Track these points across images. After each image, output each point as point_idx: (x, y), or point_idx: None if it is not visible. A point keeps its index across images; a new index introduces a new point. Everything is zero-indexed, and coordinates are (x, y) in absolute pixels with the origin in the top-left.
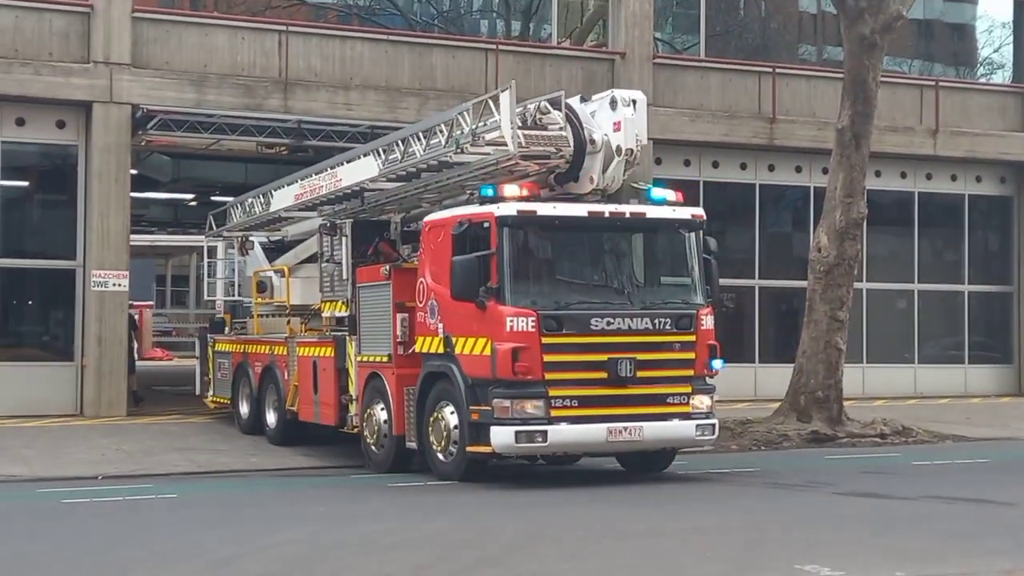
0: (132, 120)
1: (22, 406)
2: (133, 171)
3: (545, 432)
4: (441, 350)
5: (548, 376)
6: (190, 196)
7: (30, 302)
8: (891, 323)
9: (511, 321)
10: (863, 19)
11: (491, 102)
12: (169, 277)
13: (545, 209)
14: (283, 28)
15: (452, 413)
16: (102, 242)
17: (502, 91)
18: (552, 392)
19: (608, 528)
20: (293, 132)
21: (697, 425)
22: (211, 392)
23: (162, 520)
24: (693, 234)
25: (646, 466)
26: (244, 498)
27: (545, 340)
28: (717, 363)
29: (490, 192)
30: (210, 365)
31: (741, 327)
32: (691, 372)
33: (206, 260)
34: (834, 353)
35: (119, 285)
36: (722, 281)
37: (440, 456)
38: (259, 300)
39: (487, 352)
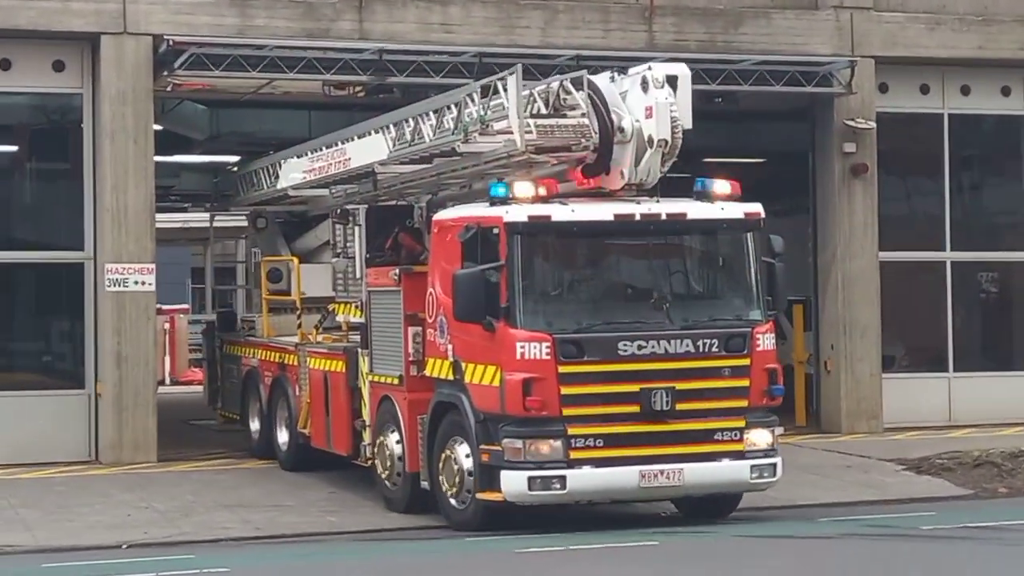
0: (154, 57)
1: (20, 451)
2: (157, 127)
3: (563, 477)
4: (451, 376)
5: (567, 411)
6: (234, 158)
7: (24, 310)
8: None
9: (522, 347)
10: None
11: (499, 84)
12: (209, 270)
13: (562, 213)
14: None
15: (465, 453)
16: (118, 225)
17: (508, 74)
18: (572, 430)
19: None
20: (372, 66)
21: (752, 466)
22: (220, 403)
23: None
24: (748, 235)
25: (707, 512)
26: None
27: (563, 369)
28: (777, 391)
29: (501, 191)
30: (218, 370)
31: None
32: (745, 403)
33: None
34: None
35: (143, 284)
36: (984, 255)
37: (453, 502)
38: (269, 294)
39: (496, 383)
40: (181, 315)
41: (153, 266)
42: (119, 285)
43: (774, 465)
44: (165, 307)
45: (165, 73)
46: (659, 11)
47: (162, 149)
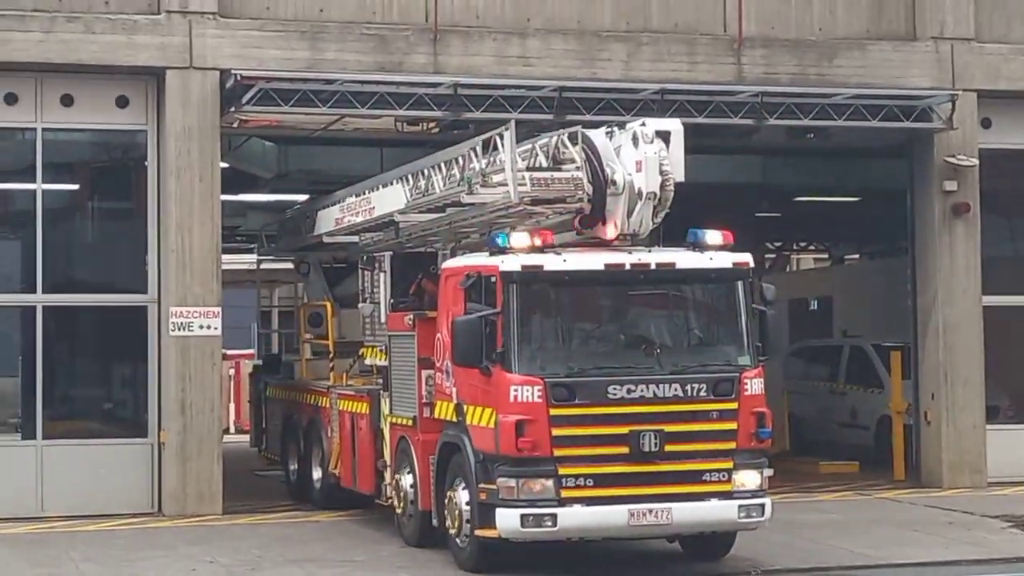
0: (221, 92)
1: (80, 502)
2: (223, 164)
3: (555, 515)
4: (455, 418)
5: (558, 452)
6: (303, 197)
7: (86, 354)
8: None
9: (515, 391)
10: None
11: (497, 139)
12: (276, 314)
13: (554, 263)
14: None
15: (465, 493)
16: (183, 267)
17: (504, 130)
18: (563, 470)
19: None
20: (447, 101)
21: (740, 506)
22: (264, 445)
23: None
24: (737, 284)
25: (704, 551)
26: None
27: (554, 412)
28: (764, 434)
29: (500, 241)
30: (263, 413)
31: None
32: (733, 445)
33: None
34: None
35: (208, 328)
36: None
37: (457, 540)
38: (308, 338)
39: (492, 424)
40: (247, 360)
41: (219, 309)
42: (183, 329)
43: (762, 505)
44: (230, 352)
45: (232, 109)
46: (748, 43)
47: (228, 187)
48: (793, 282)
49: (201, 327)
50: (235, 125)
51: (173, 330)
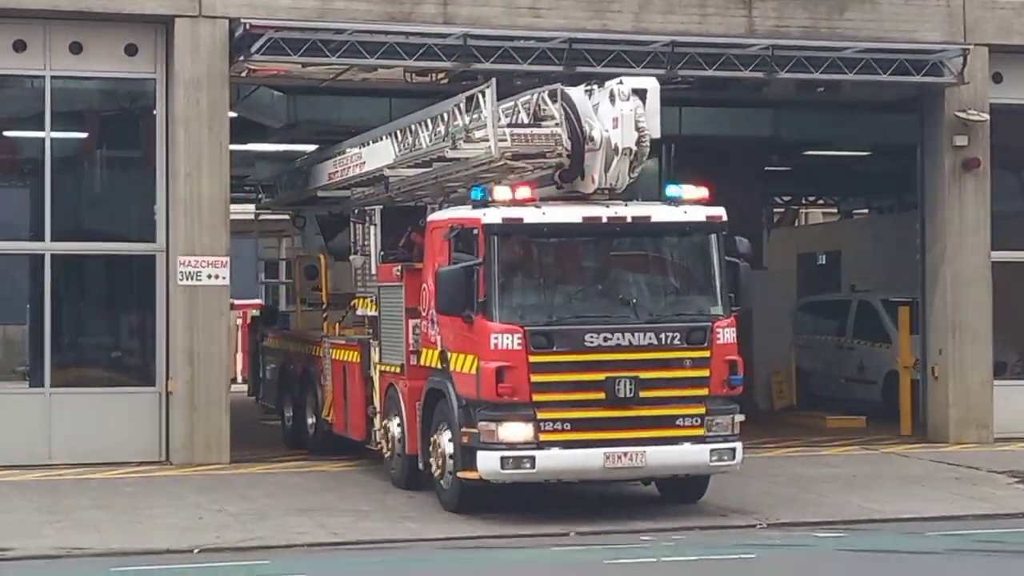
0: (230, 41)
1: (89, 450)
2: (232, 113)
3: (533, 458)
4: (439, 365)
5: (536, 397)
6: (311, 147)
7: (94, 303)
8: None
9: (496, 338)
10: None
11: (479, 96)
12: (284, 265)
13: (533, 215)
14: None
15: (448, 437)
16: (191, 217)
17: (485, 87)
18: (541, 415)
19: None
20: (456, 52)
21: (712, 450)
22: (261, 394)
23: None
24: (712, 237)
25: (680, 494)
26: None
27: (533, 359)
28: (735, 381)
29: (480, 195)
30: (260, 363)
31: None
32: (705, 391)
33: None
34: None
35: (217, 277)
36: None
37: (441, 482)
38: (308, 289)
39: (474, 371)
40: (254, 311)
41: (227, 259)
42: (192, 279)
43: (733, 449)
44: (238, 302)
45: (241, 58)
46: None
47: (237, 137)
48: (802, 236)
49: (209, 276)
50: (244, 74)
51: (181, 279)
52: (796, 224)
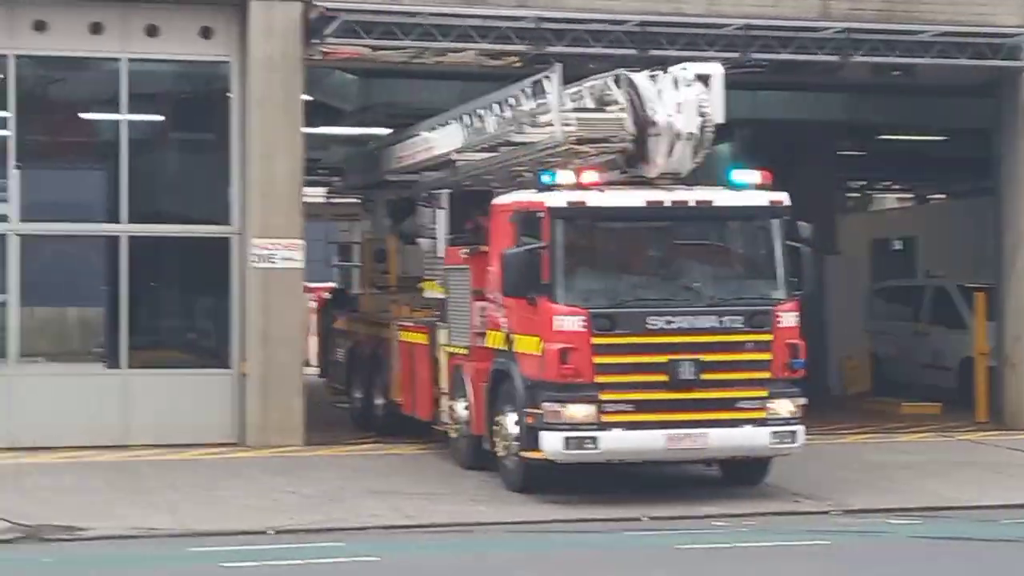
0: (304, 23)
1: (164, 431)
2: (306, 96)
3: (596, 438)
4: (504, 347)
5: (599, 379)
6: (385, 131)
7: (169, 285)
8: None
9: (559, 320)
10: None
11: (544, 81)
12: (358, 249)
13: (597, 199)
14: None
15: (514, 418)
16: (266, 199)
17: (551, 72)
18: (604, 396)
19: None
20: (530, 35)
21: (773, 432)
22: (330, 375)
23: None
24: (774, 221)
25: (742, 476)
26: (475, 568)
27: (596, 340)
28: (798, 364)
29: (546, 178)
30: (331, 345)
31: None
32: (767, 374)
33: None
34: None
35: (290, 260)
36: None
37: (506, 462)
38: (372, 272)
39: (538, 352)
40: (328, 294)
41: (301, 242)
42: (266, 261)
43: (794, 432)
44: (311, 285)
45: (315, 40)
46: None
47: (310, 120)
48: (876, 222)
49: (283, 259)
50: (317, 57)
51: (255, 262)
52: (870, 209)
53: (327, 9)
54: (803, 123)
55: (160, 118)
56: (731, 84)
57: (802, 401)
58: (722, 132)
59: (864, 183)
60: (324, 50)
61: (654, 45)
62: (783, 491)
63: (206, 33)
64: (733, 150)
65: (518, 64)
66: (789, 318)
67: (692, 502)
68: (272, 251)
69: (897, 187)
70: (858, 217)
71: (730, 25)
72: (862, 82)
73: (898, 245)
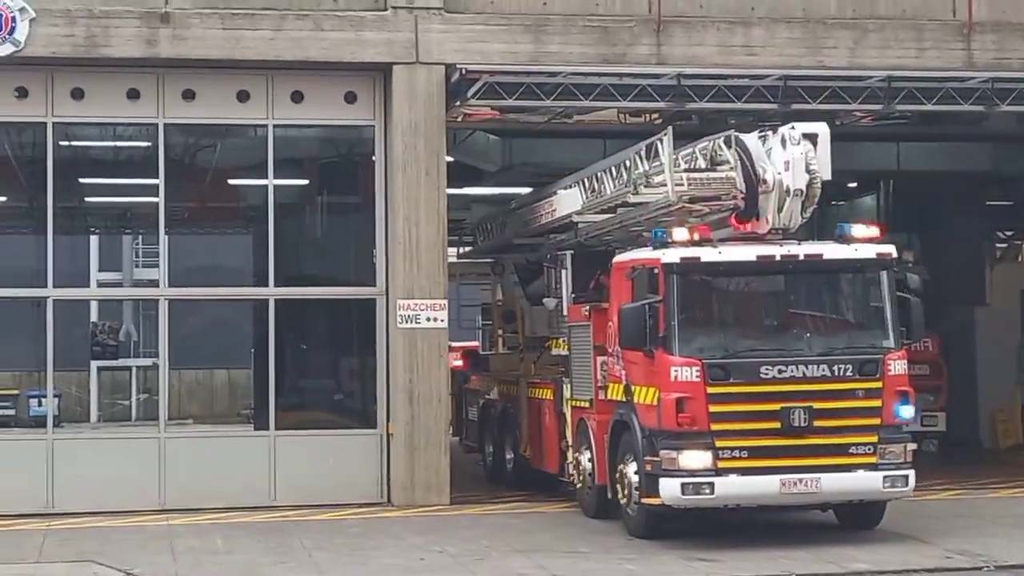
0: (446, 86)
1: (310, 491)
2: (449, 158)
3: (712, 484)
4: (624, 398)
5: (715, 427)
6: (526, 191)
7: (315, 346)
8: None
9: (675, 371)
10: None
11: (658, 144)
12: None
13: (710, 255)
14: None
15: (633, 464)
16: (410, 260)
17: (663, 135)
18: (719, 443)
19: None
20: (670, 92)
21: (885, 476)
22: (464, 434)
23: None
24: (882, 273)
25: (857, 520)
26: None
27: (711, 390)
28: (906, 411)
29: (660, 235)
30: (464, 404)
31: None
32: (878, 421)
33: None
34: None
35: (435, 320)
36: None
37: (628, 510)
38: (502, 333)
39: (655, 402)
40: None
41: (445, 302)
42: (411, 321)
43: (906, 476)
44: (455, 344)
45: (457, 103)
46: (978, 27)
47: (453, 181)
48: None
49: (428, 319)
50: (460, 119)
51: (401, 322)
52: (1019, 259)
53: (468, 72)
54: (949, 173)
55: (305, 182)
56: (874, 136)
57: (912, 446)
58: (866, 185)
59: (1012, 233)
60: (466, 112)
61: (796, 99)
62: (934, 546)
63: (350, 98)
64: (878, 201)
65: (659, 121)
66: (898, 366)
67: (838, 554)
68: (417, 312)
69: None
70: (1008, 267)
71: (873, 77)
72: (1009, 131)
73: None
